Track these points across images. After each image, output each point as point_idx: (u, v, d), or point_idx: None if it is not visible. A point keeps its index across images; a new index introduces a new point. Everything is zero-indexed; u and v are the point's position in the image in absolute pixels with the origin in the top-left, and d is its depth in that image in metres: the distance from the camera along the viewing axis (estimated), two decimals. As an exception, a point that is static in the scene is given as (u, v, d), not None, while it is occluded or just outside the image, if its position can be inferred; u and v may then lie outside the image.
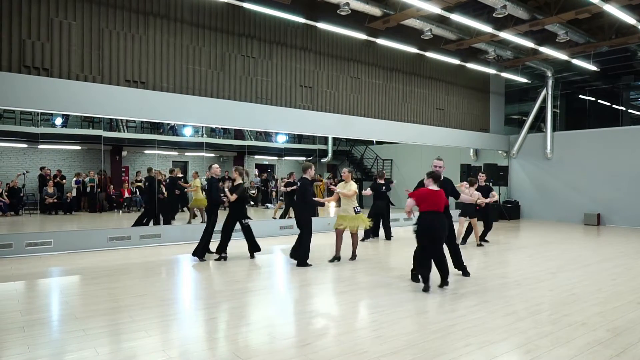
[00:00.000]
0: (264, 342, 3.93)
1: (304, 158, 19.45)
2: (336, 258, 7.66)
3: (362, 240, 10.15)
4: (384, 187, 10.45)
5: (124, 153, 14.85)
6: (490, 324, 4.43)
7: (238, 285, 5.96)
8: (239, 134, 16.71)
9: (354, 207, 7.56)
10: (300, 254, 7.31)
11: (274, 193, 17.79)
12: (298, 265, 7.24)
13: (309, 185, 7.41)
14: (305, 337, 4.05)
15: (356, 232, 7.73)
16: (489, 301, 5.27)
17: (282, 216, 12.56)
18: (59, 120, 13.02)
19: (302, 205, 7.46)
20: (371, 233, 10.49)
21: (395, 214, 14.66)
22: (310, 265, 7.26)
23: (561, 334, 4.15)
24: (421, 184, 6.14)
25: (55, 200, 12.81)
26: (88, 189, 13.48)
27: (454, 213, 8.24)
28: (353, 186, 7.68)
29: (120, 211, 14.04)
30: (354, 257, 7.89)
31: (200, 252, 7.75)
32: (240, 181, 7.82)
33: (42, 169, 12.97)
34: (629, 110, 16.63)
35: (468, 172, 15.28)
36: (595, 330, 4.27)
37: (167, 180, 11.93)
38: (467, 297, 5.48)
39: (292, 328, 4.38)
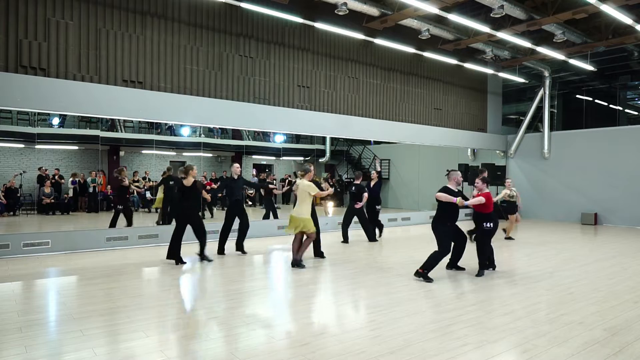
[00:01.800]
0: (262, 342, 3.93)
1: (302, 158, 19.47)
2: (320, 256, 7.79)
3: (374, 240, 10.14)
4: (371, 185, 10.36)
5: (122, 153, 14.83)
6: (487, 323, 4.44)
7: (236, 286, 5.96)
8: (236, 134, 16.71)
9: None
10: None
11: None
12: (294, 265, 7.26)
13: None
14: (303, 337, 4.05)
15: (310, 234, 7.05)
16: (487, 300, 5.28)
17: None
18: (56, 120, 13.00)
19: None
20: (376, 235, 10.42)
21: (395, 214, 14.69)
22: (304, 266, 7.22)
23: (558, 333, 4.16)
24: (446, 189, 6.34)
25: (53, 201, 12.78)
26: (90, 189, 13.45)
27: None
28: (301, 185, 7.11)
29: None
30: (297, 260, 7.16)
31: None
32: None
33: (40, 169, 12.95)
34: (626, 110, 16.70)
35: (466, 172, 15.31)
36: (593, 330, 4.28)
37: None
38: (465, 296, 5.49)
39: (290, 328, 4.38)
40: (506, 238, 10.50)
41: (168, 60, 9.36)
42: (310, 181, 7.16)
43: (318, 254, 7.94)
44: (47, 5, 8.03)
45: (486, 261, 6.82)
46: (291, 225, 7.05)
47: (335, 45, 12.00)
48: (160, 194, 11.42)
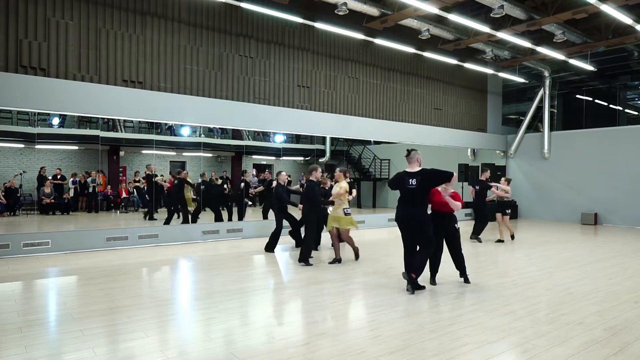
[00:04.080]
0: (262, 342, 3.93)
1: (301, 158, 19.47)
2: (336, 260, 7.50)
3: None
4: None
5: (122, 153, 14.83)
6: (487, 323, 4.44)
7: (236, 286, 5.96)
8: (236, 134, 16.71)
9: (343, 209, 7.49)
10: (303, 251, 7.44)
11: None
12: (301, 261, 7.36)
13: (315, 187, 7.49)
14: (303, 337, 4.05)
15: (347, 232, 7.67)
16: (487, 301, 5.28)
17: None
18: (56, 120, 13.00)
19: (308, 206, 7.50)
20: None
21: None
22: (312, 265, 7.33)
23: (558, 334, 4.16)
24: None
25: (53, 201, 12.78)
26: (90, 189, 13.46)
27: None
28: (342, 186, 7.55)
29: (118, 211, 14.02)
30: (356, 257, 7.88)
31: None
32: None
33: (42, 169, 12.96)
34: (626, 110, 16.70)
35: (466, 172, 15.31)
36: (592, 330, 4.28)
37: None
38: (465, 296, 5.49)
39: (290, 328, 4.38)
40: (498, 241, 10.21)
41: (168, 60, 9.36)
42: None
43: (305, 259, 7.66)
44: (47, 5, 8.03)
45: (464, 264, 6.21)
46: (344, 225, 7.51)
47: (335, 45, 12.00)
48: (189, 195, 11.67)
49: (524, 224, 14.63)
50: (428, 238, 5.56)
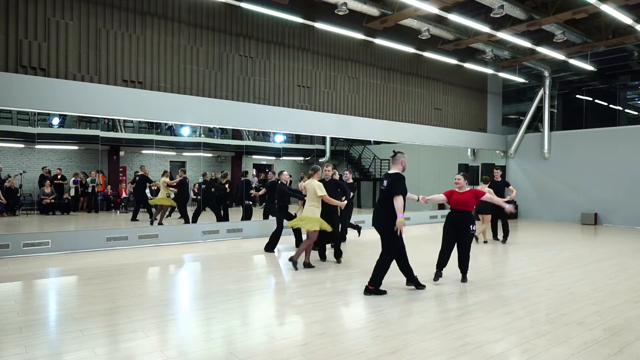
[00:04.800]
0: (262, 342, 3.93)
1: (302, 158, 19.46)
2: (303, 264, 7.15)
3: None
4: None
5: (122, 153, 14.82)
6: (487, 323, 4.44)
7: (236, 286, 5.96)
8: (236, 134, 16.70)
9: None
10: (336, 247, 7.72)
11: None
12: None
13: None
14: (303, 337, 4.05)
15: (312, 233, 7.01)
16: (487, 301, 5.28)
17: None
18: (56, 120, 12.99)
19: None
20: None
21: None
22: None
23: (558, 333, 4.16)
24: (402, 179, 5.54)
25: (53, 201, 12.77)
26: (89, 189, 13.46)
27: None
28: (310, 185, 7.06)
29: (118, 211, 14.02)
30: (294, 261, 6.96)
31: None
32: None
33: (43, 168, 12.95)
34: (626, 110, 16.71)
35: (466, 172, 15.29)
36: (592, 330, 4.28)
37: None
38: (465, 296, 5.49)
39: (290, 328, 4.38)
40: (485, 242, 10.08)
41: (168, 60, 9.36)
42: (319, 181, 7.14)
43: (337, 254, 7.70)
44: (47, 5, 8.03)
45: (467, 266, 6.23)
46: (295, 221, 7.18)
47: (335, 45, 12.00)
48: (163, 193, 11.55)
49: (524, 224, 14.63)
50: (387, 245, 5.39)
